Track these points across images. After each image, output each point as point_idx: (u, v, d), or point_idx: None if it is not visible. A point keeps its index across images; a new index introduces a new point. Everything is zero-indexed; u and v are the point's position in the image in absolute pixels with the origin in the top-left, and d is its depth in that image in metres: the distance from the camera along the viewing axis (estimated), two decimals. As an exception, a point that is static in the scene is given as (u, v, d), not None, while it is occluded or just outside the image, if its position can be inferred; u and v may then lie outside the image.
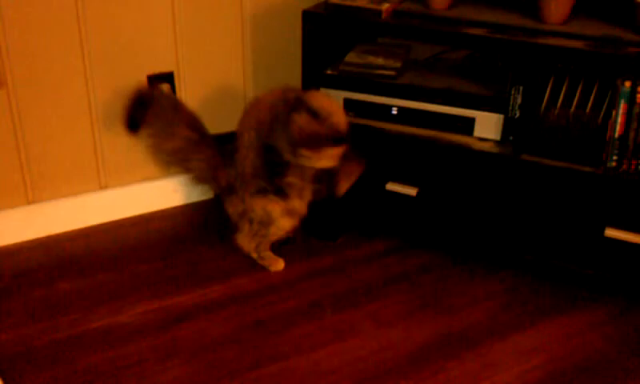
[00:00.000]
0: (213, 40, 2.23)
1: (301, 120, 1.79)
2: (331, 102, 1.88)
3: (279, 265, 2.02)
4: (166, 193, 2.31)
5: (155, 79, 2.17)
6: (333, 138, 1.81)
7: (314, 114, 1.80)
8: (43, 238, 2.14)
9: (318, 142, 1.80)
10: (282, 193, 1.92)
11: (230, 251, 2.04)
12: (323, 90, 2.04)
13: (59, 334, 1.75)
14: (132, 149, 2.18)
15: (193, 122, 1.99)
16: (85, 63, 2.04)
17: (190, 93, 2.25)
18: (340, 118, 1.84)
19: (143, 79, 2.16)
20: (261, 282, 1.96)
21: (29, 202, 2.11)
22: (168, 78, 2.20)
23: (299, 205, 1.96)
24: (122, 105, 2.09)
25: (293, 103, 1.82)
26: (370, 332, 1.78)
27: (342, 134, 1.83)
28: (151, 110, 1.95)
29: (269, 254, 2.02)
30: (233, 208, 2.00)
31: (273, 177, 1.91)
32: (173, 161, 2.02)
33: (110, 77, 2.10)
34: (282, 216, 1.96)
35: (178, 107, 2.01)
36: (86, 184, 2.18)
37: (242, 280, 1.97)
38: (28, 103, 2.01)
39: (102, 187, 2.21)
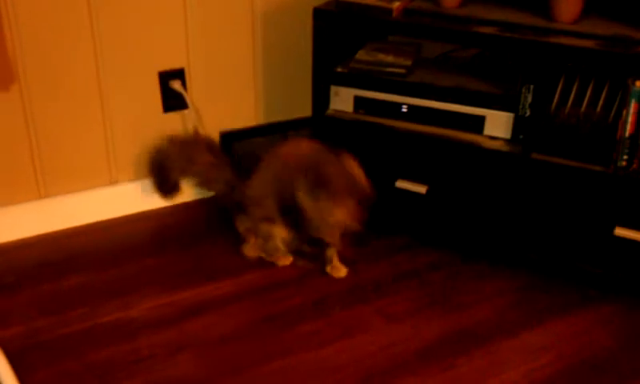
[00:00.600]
0: (224, 37, 2.24)
1: (348, 161, 1.86)
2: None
3: (286, 260, 2.03)
4: (176, 189, 2.32)
5: (166, 75, 2.18)
6: (365, 194, 1.86)
7: (360, 166, 1.87)
8: (54, 232, 2.15)
9: (353, 187, 1.85)
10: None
11: (239, 247, 2.05)
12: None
13: (69, 328, 1.76)
14: (143, 145, 2.20)
15: (211, 148, 2.08)
16: (97, 59, 2.05)
17: (200, 89, 2.25)
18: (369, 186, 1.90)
19: (154, 75, 2.17)
20: (269, 277, 1.97)
21: (40, 197, 2.12)
22: (179, 74, 2.20)
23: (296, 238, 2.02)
24: (133, 102, 2.12)
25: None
26: (378, 328, 1.79)
27: (371, 196, 1.87)
28: (170, 157, 2.09)
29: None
30: (242, 225, 2.04)
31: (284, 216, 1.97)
32: (197, 182, 2.13)
33: (122, 73, 2.11)
34: (280, 241, 1.99)
35: (195, 139, 2.13)
36: (96, 179, 2.19)
37: (250, 276, 1.97)
38: (40, 98, 2.02)
39: (113, 182, 2.22)
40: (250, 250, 2.04)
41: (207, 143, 2.10)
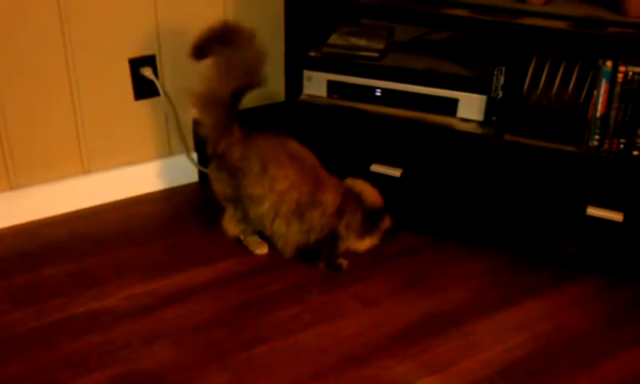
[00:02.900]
0: (194, 23, 2.20)
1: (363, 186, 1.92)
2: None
3: (263, 249, 2.02)
4: (149, 177, 2.30)
5: (137, 62, 2.16)
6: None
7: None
8: (26, 223, 2.12)
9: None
10: None
11: (215, 234, 2.03)
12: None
13: (44, 319, 1.74)
14: (115, 133, 2.18)
15: (239, 89, 1.89)
16: (66, 46, 2.02)
17: (171, 76, 2.23)
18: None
19: (125, 62, 2.14)
20: (246, 264, 1.96)
21: (11, 188, 2.09)
22: (150, 60, 2.18)
23: None
24: (103, 90, 2.09)
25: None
26: (355, 312, 1.79)
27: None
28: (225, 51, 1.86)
29: (254, 237, 2.02)
30: (220, 186, 1.96)
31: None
32: (194, 101, 1.91)
33: (91, 60, 2.08)
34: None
35: (241, 66, 1.86)
36: (68, 169, 2.17)
37: (227, 263, 1.97)
38: (8, 88, 1.99)
39: (85, 172, 2.20)
40: (229, 224, 1.99)
41: (241, 84, 1.88)
